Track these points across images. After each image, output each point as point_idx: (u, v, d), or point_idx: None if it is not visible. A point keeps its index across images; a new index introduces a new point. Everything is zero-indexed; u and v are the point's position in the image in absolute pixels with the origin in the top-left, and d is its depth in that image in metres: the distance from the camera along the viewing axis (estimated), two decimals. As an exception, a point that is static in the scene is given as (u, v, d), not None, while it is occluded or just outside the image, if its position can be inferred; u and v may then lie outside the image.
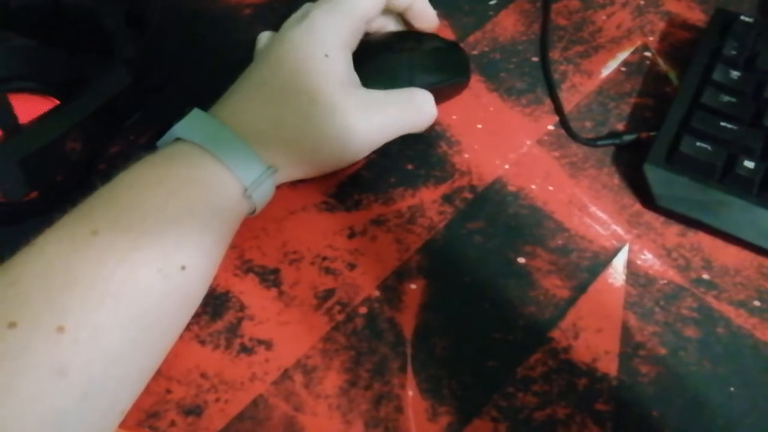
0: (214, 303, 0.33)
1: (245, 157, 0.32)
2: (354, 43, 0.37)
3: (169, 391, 0.31)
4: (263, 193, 0.33)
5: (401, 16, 0.41)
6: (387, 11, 0.39)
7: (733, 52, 0.38)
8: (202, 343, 0.32)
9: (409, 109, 0.37)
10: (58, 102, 0.36)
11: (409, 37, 0.40)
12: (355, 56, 0.37)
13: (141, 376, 0.28)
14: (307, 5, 0.39)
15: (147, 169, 0.30)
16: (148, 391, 0.30)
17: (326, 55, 0.34)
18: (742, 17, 0.40)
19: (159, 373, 0.31)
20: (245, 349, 0.32)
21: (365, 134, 0.35)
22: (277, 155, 0.33)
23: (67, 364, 0.24)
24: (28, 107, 0.37)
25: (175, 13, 0.45)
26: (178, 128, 0.32)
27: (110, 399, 0.26)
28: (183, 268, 0.28)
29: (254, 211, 0.33)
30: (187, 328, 0.33)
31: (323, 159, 0.35)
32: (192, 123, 0.32)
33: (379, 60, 0.38)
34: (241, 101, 0.34)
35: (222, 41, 0.44)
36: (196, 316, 0.33)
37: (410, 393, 0.31)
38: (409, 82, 0.38)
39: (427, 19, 0.41)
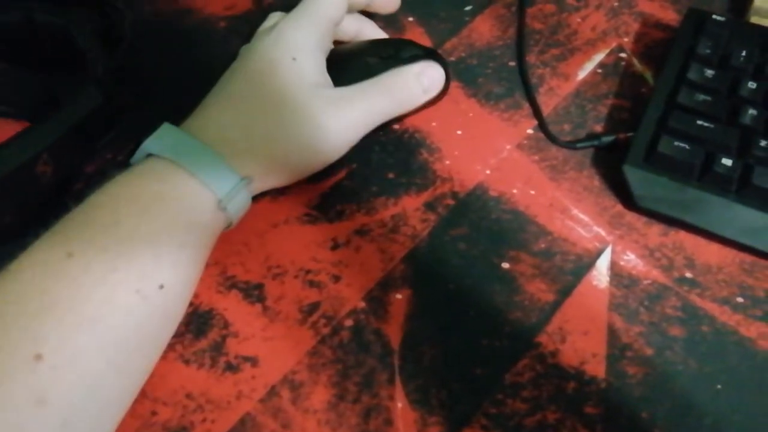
0: (198, 321, 0.33)
1: (217, 169, 0.31)
2: (325, 46, 0.37)
3: (154, 413, 0.30)
4: (239, 205, 0.32)
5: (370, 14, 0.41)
6: (352, 9, 0.40)
7: (707, 51, 0.39)
8: (187, 362, 0.32)
9: (380, 100, 0.36)
10: (28, 124, 0.36)
11: (387, 45, 0.40)
12: (332, 65, 0.37)
13: (123, 400, 0.27)
14: (275, 14, 0.39)
15: (119, 187, 0.30)
16: (133, 413, 0.30)
17: (294, 59, 0.34)
18: (714, 16, 0.40)
19: (144, 395, 0.31)
20: (231, 367, 0.32)
21: (337, 133, 0.34)
22: (251, 164, 0.33)
23: (46, 392, 0.24)
24: (-1, 130, 0.36)
25: (148, 28, 0.45)
26: (149, 144, 0.31)
27: (92, 425, 0.26)
28: (161, 287, 0.28)
29: (231, 224, 0.33)
30: (171, 347, 0.32)
31: (297, 162, 0.35)
32: (162, 138, 0.32)
33: (358, 68, 0.38)
34: (212, 113, 0.34)
35: (197, 55, 0.43)
36: (180, 336, 0.33)
37: (399, 404, 0.31)
38: (387, 91, 0.38)
39: (390, 1, 0.41)
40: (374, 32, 0.42)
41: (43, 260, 0.27)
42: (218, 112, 0.34)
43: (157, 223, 0.29)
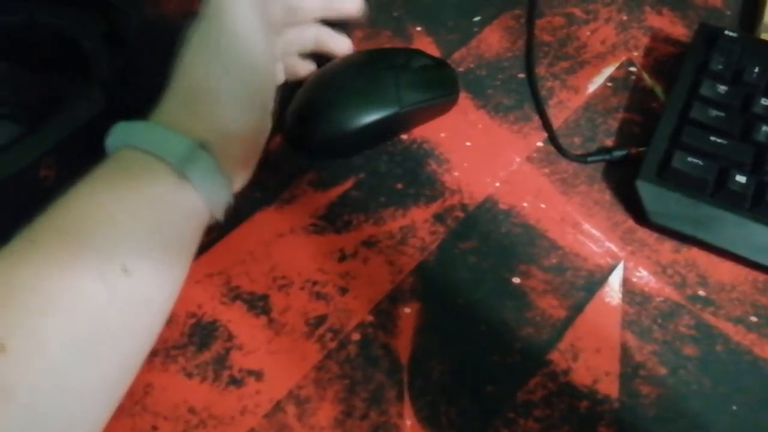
0: (201, 333, 0.32)
1: (163, 137, 0.29)
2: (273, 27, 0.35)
3: (155, 428, 0.29)
4: (209, 181, 0.30)
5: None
6: (306, 18, 0.39)
7: (720, 67, 0.38)
8: (189, 375, 0.31)
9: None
10: (30, 127, 0.35)
11: (398, 54, 0.39)
12: (342, 74, 0.36)
13: (97, 390, 0.26)
14: None
15: (83, 180, 0.29)
16: (133, 428, 0.29)
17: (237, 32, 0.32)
18: (726, 32, 0.40)
19: (144, 409, 0.30)
20: (234, 381, 0.31)
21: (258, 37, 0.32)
22: (200, 125, 0.31)
23: (12, 384, 0.23)
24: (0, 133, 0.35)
25: (152, 32, 0.44)
26: (106, 143, 0.30)
27: (63, 417, 0.25)
28: (124, 270, 0.26)
29: (214, 209, 0.30)
30: (173, 359, 0.31)
31: (239, 87, 0.32)
32: (112, 133, 0.30)
33: (366, 78, 0.38)
34: (162, 101, 0.32)
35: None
36: (182, 347, 0.32)
37: (408, 422, 0.30)
38: (397, 101, 0.37)
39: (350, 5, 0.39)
40: (332, 38, 0.40)
41: (8, 251, 0.26)
42: (164, 97, 0.32)
43: (116, 204, 0.28)
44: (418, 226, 0.36)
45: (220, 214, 0.31)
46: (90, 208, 0.28)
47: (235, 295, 0.33)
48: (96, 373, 0.26)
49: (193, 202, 0.30)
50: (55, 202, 0.28)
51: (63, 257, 0.26)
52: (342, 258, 0.35)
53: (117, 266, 0.26)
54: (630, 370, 0.32)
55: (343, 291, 0.34)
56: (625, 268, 0.35)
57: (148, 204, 0.28)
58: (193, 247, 0.30)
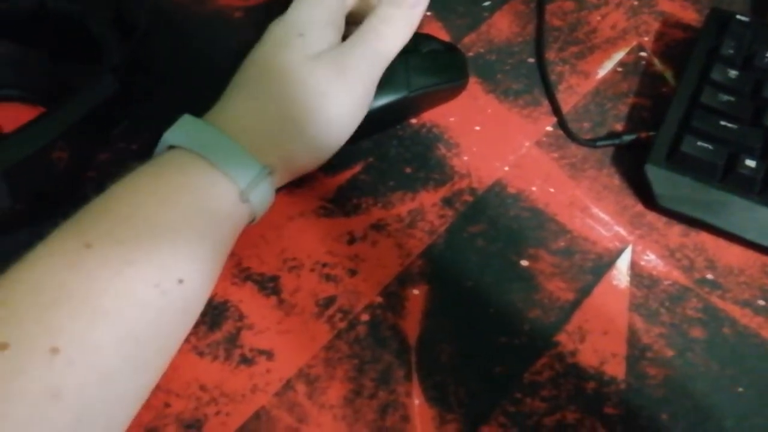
0: (212, 313, 0.32)
1: (237, 158, 0.30)
2: (336, 21, 0.35)
3: (167, 405, 0.30)
4: (262, 197, 0.31)
5: None
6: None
7: (731, 52, 0.38)
8: (201, 354, 0.31)
9: (377, 42, 0.35)
10: (43, 110, 0.35)
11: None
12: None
13: (138, 394, 0.27)
14: None
15: (139, 178, 0.29)
16: (146, 405, 0.29)
17: (301, 35, 0.33)
18: (738, 16, 0.40)
19: (157, 387, 0.30)
20: (245, 360, 0.31)
21: (343, 96, 0.33)
22: (270, 151, 0.32)
23: (61, 386, 0.23)
24: (12, 116, 0.36)
25: (163, 17, 0.44)
26: (169, 135, 0.31)
27: (106, 419, 0.25)
28: (180, 281, 0.27)
29: (254, 218, 0.32)
30: (185, 339, 0.32)
31: (314, 138, 0.33)
32: (182, 129, 0.31)
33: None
34: (229, 102, 0.33)
35: (212, 45, 0.43)
36: (194, 327, 0.32)
37: (416, 401, 0.30)
38: (406, 85, 0.37)
39: None
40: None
41: (59, 251, 0.26)
42: (235, 100, 0.33)
43: (177, 215, 0.28)
44: (426, 209, 0.36)
45: (260, 217, 0.32)
46: (147, 216, 0.28)
47: (246, 276, 0.34)
48: (142, 378, 0.27)
49: (246, 215, 0.31)
50: (105, 198, 0.28)
51: (121, 265, 0.26)
52: (351, 241, 0.35)
53: (174, 277, 0.27)
54: (637, 352, 0.32)
55: (353, 273, 0.34)
56: (634, 252, 0.35)
57: (208, 218, 0.29)
58: (231, 247, 0.32)
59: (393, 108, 0.37)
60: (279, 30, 0.34)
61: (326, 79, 0.33)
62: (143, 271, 0.26)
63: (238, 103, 0.33)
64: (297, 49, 0.33)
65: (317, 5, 0.35)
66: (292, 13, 0.35)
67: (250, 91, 0.33)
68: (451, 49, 0.41)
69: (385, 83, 0.37)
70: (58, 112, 0.34)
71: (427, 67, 0.38)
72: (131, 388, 0.26)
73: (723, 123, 0.36)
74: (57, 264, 0.26)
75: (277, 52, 0.33)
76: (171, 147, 0.31)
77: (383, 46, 0.35)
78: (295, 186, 0.37)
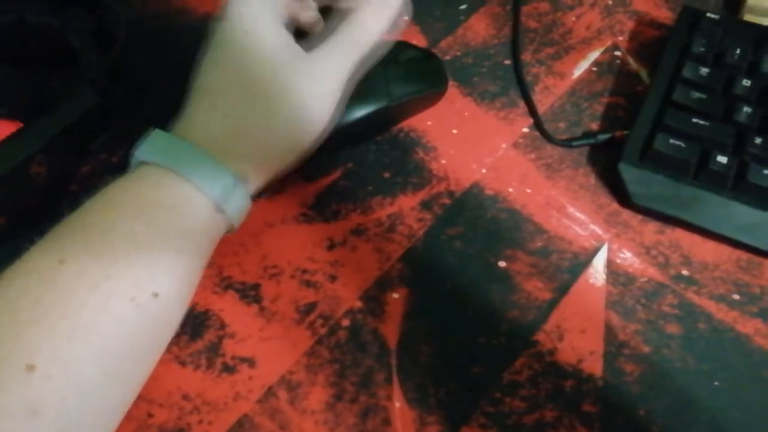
0: (194, 322, 0.33)
1: (209, 170, 0.30)
2: (282, 12, 0.34)
3: (150, 415, 0.30)
4: (237, 205, 0.31)
5: None
6: None
7: (702, 49, 0.39)
8: (183, 363, 0.32)
9: (349, 39, 0.34)
10: (21, 125, 0.35)
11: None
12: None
13: (118, 408, 0.27)
14: None
15: (114, 193, 0.29)
16: (128, 416, 0.29)
17: (246, 32, 0.32)
18: (708, 14, 0.40)
19: (139, 397, 0.30)
20: (227, 368, 0.32)
21: (313, 91, 0.32)
22: (243, 152, 0.32)
23: (39, 403, 0.23)
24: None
25: (142, 28, 0.44)
26: (140, 152, 0.31)
27: None
28: (156, 295, 0.27)
29: (232, 228, 0.32)
30: (167, 349, 0.32)
31: (286, 123, 0.32)
32: (151, 145, 0.31)
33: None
34: (194, 111, 0.33)
35: (191, 55, 0.43)
36: (176, 337, 0.32)
37: (397, 404, 0.31)
38: (386, 94, 0.38)
39: None
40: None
41: (35, 268, 0.26)
42: (197, 108, 0.33)
43: (153, 229, 0.28)
44: (405, 213, 0.37)
45: (238, 225, 0.32)
46: (123, 231, 0.28)
47: (227, 284, 0.34)
48: (121, 391, 0.27)
49: (222, 225, 0.31)
50: (79, 214, 0.28)
51: (96, 281, 0.26)
52: (331, 246, 0.35)
53: (149, 291, 0.27)
54: (614, 349, 0.32)
55: (333, 278, 0.34)
56: (610, 250, 0.35)
57: (184, 232, 0.29)
58: (209, 258, 0.31)
59: (375, 118, 0.38)
60: (223, 33, 0.33)
61: (295, 79, 0.32)
62: (119, 286, 0.26)
63: (202, 112, 0.32)
64: (247, 46, 0.32)
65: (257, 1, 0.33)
66: (230, 12, 0.33)
67: (213, 98, 0.32)
68: (429, 56, 0.41)
69: (366, 93, 0.37)
70: (36, 126, 0.34)
71: (407, 76, 0.39)
72: (111, 402, 0.26)
73: (695, 120, 0.36)
74: (33, 282, 0.26)
75: (228, 55, 0.33)
76: (143, 162, 0.31)
77: (355, 46, 0.34)
78: (275, 193, 0.37)
